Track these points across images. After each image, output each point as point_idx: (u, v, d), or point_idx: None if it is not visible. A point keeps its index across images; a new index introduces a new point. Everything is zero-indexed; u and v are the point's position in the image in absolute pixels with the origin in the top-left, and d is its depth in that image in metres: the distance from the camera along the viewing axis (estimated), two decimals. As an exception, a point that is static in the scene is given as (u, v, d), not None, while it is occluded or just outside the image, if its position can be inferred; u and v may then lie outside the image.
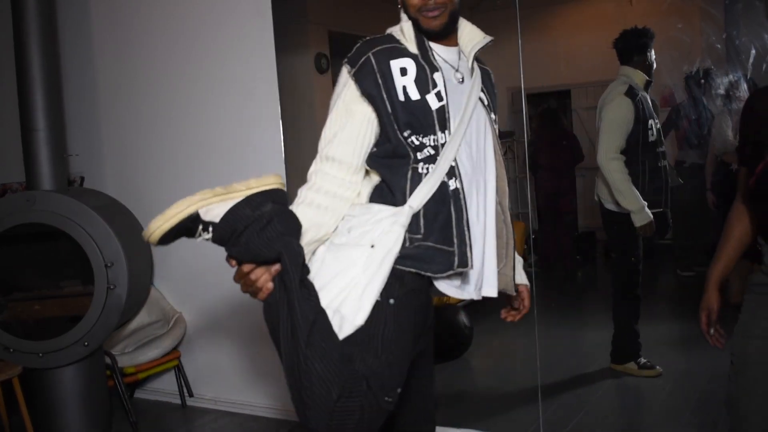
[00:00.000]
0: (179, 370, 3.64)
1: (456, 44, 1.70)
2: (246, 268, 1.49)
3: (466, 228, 1.58)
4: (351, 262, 1.54)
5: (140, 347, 3.50)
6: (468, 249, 1.58)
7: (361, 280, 1.52)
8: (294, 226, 1.50)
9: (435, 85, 1.60)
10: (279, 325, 1.47)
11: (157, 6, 3.57)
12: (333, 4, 5.25)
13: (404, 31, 1.66)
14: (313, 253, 1.61)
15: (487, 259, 1.67)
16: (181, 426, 3.45)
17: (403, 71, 1.59)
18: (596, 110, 3.51)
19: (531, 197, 5.10)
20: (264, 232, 1.43)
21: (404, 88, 1.58)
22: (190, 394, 3.67)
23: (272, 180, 1.52)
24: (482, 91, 1.70)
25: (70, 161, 3.67)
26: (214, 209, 1.46)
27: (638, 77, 3.38)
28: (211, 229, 1.45)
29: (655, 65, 3.46)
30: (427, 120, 1.59)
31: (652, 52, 3.43)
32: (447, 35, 1.67)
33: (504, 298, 1.83)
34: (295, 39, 4.97)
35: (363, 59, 1.61)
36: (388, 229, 1.55)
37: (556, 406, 3.21)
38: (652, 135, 3.34)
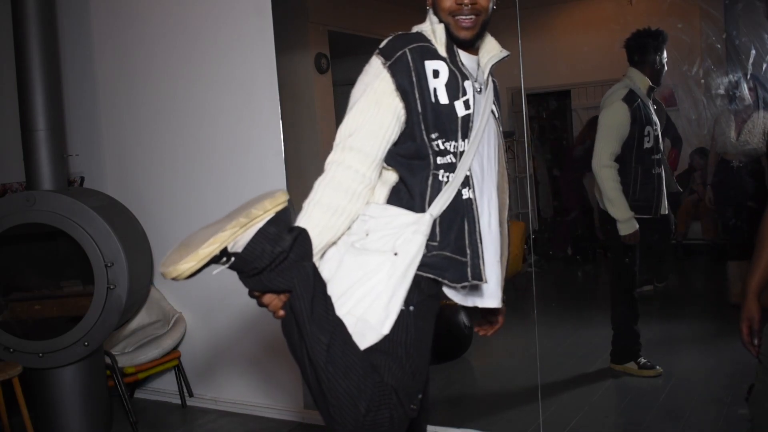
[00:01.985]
0: (179, 370, 3.64)
1: (476, 54, 1.69)
2: (263, 296, 1.49)
3: (478, 239, 1.58)
4: (373, 268, 1.52)
5: (140, 347, 3.50)
6: (480, 261, 1.57)
7: (386, 288, 1.50)
8: (308, 249, 1.47)
9: (465, 93, 1.59)
10: (294, 346, 1.48)
11: (157, 6, 3.58)
12: (333, 4, 5.25)
13: (435, 33, 1.62)
14: (324, 253, 1.58)
15: (495, 269, 1.67)
16: (181, 426, 3.45)
17: (436, 73, 1.58)
18: (599, 110, 3.49)
19: (531, 197, 5.10)
20: (280, 266, 1.42)
21: (435, 90, 1.57)
22: (190, 394, 3.67)
23: (282, 198, 1.47)
24: (494, 103, 1.70)
25: (70, 161, 3.67)
26: (240, 240, 1.42)
27: (642, 81, 3.35)
28: (232, 259, 1.42)
29: (665, 68, 3.40)
30: (452, 126, 1.57)
31: (663, 55, 3.37)
32: (473, 46, 1.66)
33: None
34: (295, 39, 4.97)
35: (399, 54, 1.57)
36: (410, 238, 1.53)
37: (556, 406, 3.20)
38: (648, 142, 3.31)
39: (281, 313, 1.47)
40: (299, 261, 1.43)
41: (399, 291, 1.51)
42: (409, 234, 1.53)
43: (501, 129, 1.75)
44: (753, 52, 3.96)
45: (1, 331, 3.12)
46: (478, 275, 1.57)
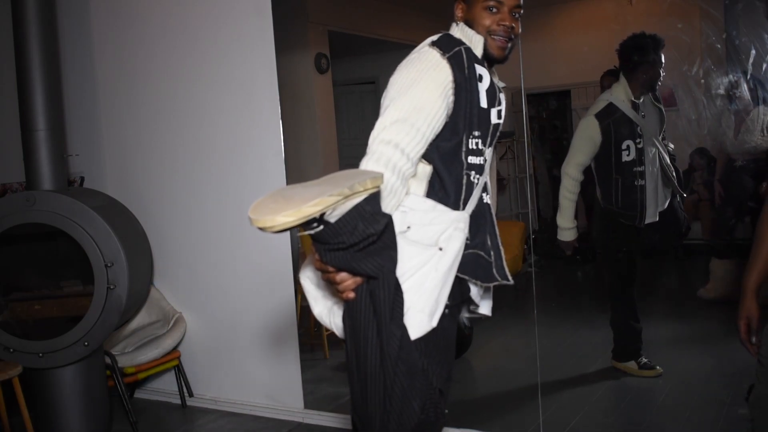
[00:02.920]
0: (179, 370, 3.64)
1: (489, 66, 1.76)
2: (331, 269, 1.41)
3: (499, 241, 1.65)
4: (420, 261, 1.51)
5: (140, 347, 3.50)
6: (503, 262, 1.64)
7: (435, 281, 1.50)
8: (394, 237, 1.42)
9: (500, 103, 1.68)
10: (359, 333, 1.42)
11: (157, 6, 3.58)
12: (333, 4, 5.25)
13: (475, 45, 1.68)
14: None
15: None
16: (181, 426, 3.45)
17: (480, 78, 1.64)
18: None
19: (531, 197, 5.10)
20: (368, 248, 1.36)
21: (480, 96, 1.64)
22: (190, 394, 3.67)
23: (380, 181, 1.38)
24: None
25: (70, 161, 3.67)
26: (336, 210, 1.32)
27: (624, 93, 3.30)
28: (322, 226, 1.31)
29: (662, 73, 3.32)
30: (486, 131, 1.65)
31: (655, 64, 3.28)
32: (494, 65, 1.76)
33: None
34: (295, 39, 4.98)
35: (456, 49, 1.61)
36: (453, 234, 1.55)
37: (556, 406, 3.20)
38: (628, 155, 3.29)
39: (352, 295, 1.41)
40: (386, 248, 1.38)
41: (446, 285, 1.52)
42: (451, 230, 1.55)
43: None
44: (753, 52, 3.96)
45: (1, 331, 3.12)
46: (504, 275, 1.64)
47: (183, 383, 3.65)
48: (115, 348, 3.51)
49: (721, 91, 4.22)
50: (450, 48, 1.60)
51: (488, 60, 1.71)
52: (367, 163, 1.49)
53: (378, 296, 1.39)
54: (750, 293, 1.75)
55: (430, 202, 1.59)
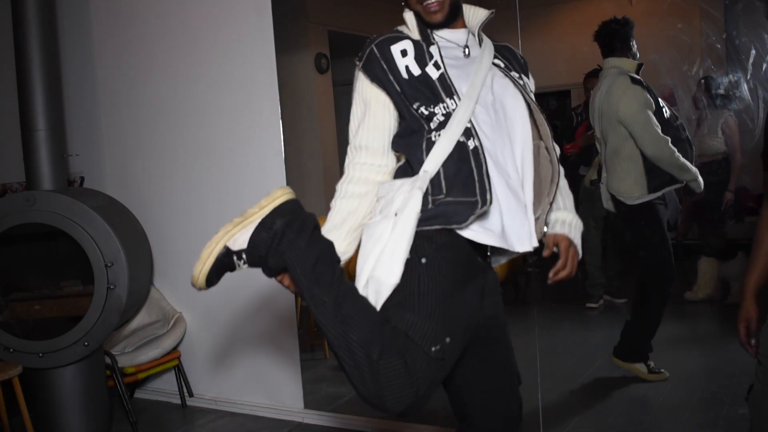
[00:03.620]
0: (179, 370, 3.64)
1: (463, 26, 1.81)
2: (279, 277, 1.64)
3: (486, 179, 1.61)
4: (380, 233, 1.61)
5: (140, 347, 3.50)
6: (488, 194, 1.59)
7: (389, 244, 1.58)
8: (307, 227, 1.57)
9: (431, 57, 1.71)
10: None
11: (157, 6, 3.58)
12: (333, 4, 5.25)
13: (407, 22, 1.77)
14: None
15: (521, 214, 1.66)
16: (181, 426, 3.45)
17: (404, 53, 1.72)
18: (595, 108, 3.42)
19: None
20: (278, 248, 1.55)
21: (407, 67, 1.70)
22: (190, 394, 3.67)
23: (279, 194, 1.60)
24: (497, 58, 1.78)
25: (70, 161, 3.67)
26: (239, 238, 1.57)
27: (628, 65, 3.31)
28: (243, 257, 1.57)
29: (638, 55, 3.38)
30: (433, 90, 1.68)
31: (634, 42, 3.36)
32: (450, 24, 1.77)
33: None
34: (295, 39, 4.97)
35: (367, 51, 1.74)
36: (407, 196, 1.61)
37: (556, 406, 3.20)
38: (666, 112, 3.28)
39: (294, 288, 1.61)
40: (297, 239, 1.54)
41: (400, 242, 1.58)
42: (405, 194, 1.62)
43: (522, 77, 1.78)
44: (753, 52, 3.96)
45: (1, 331, 3.12)
46: (485, 201, 1.59)
47: (183, 383, 3.65)
48: (115, 348, 3.51)
49: (721, 91, 4.22)
50: (362, 55, 1.74)
51: (436, 26, 1.75)
52: (341, 183, 1.75)
53: (294, 278, 1.56)
54: (750, 296, 1.75)
55: (394, 182, 1.69)
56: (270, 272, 1.61)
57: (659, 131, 3.20)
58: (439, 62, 1.70)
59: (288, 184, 3.31)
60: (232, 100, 3.39)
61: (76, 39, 3.81)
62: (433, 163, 1.63)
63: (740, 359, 1.87)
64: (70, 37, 3.80)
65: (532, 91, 1.81)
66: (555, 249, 1.75)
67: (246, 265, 1.58)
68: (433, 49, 1.72)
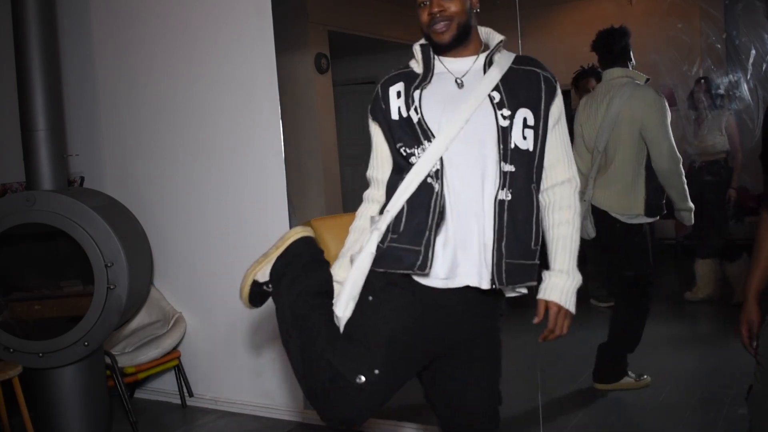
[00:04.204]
0: (179, 370, 3.64)
1: (473, 53, 1.84)
2: None
3: (432, 231, 1.70)
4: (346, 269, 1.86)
5: (140, 347, 3.50)
6: (430, 251, 1.70)
7: (347, 283, 1.78)
8: (297, 266, 1.91)
9: (413, 101, 1.79)
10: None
11: (157, 6, 3.58)
12: (333, 4, 5.25)
13: (414, 53, 1.87)
14: None
15: (475, 253, 1.73)
16: (181, 426, 3.45)
17: (398, 94, 1.83)
18: (605, 116, 3.26)
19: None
20: (277, 284, 1.95)
21: (399, 108, 1.82)
22: (190, 394, 3.67)
23: (291, 234, 1.97)
24: (497, 89, 1.76)
25: (70, 161, 3.67)
26: (264, 271, 1.97)
27: (639, 77, 3.25)
28: (271, 285, 1.96)
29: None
30: (414, 133, 1.77)
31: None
32: (459, 46, 1.81)
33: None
34: (295, 39, 4.97)
35: (374, 93, 1.89)
36: (370, 237, 1.78)
37: (556, 407, 3.20)
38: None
39: None
40: (285, 276, 1.91)
41: (353, 281, 1.77)
42: (369, 233, 1.79)
43: (511, 121, 1.75)
44: (753, 52, 3.96)
45: (1, 331, 3.12)
46: (424, 265, 1.70)
47: (183, 383, 3.65)
48: (115, 348, 3.51)
49: (721, 91, 4.22)
50: (374, 94, 1.89)
51: (445, 48, 1.81)
52: (358, 212, 1.98)
53: (277, 314, 1.95)
54: (752, 298, 1.76)
55: (375, 218, 1.84)
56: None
57: (675, 148, 3.15)
58: (418, 107, 1.77)
59: (288, 184, 3.31)
60: (232, 100, 3.39)
61: (76, 39, 3.81)
62: (396, 202, 1.76)
63: (740, 359, 1.87)
64: (70, 37, 3.80)
65: (534, 121, 1.77)
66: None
67: (271, 289, 1.98)
68: (416, 93, 1.79)
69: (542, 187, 1.82)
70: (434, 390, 1.90)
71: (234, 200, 3.44)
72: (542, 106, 1.78)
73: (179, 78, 3.54)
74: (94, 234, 3.06)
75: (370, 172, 1.93)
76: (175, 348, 3.59)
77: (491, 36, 1.85)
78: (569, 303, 1.79)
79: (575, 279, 1.79)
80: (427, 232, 1.70)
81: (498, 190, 1.72)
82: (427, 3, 1.77)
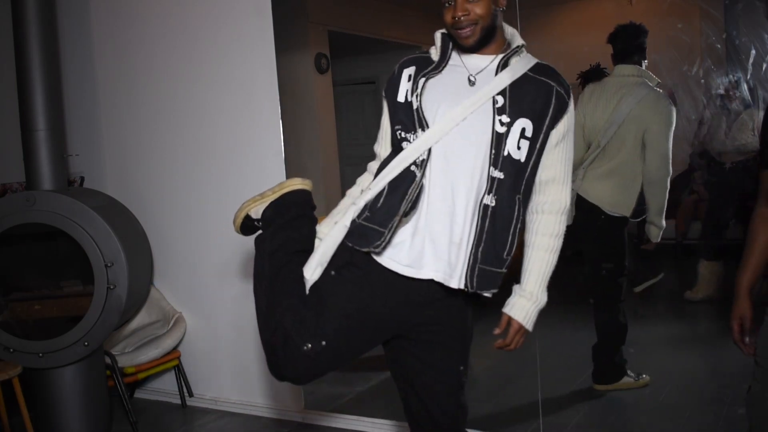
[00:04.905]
0: (179, 370, 3.64)
1: (495, 52, 1.82)
2: None
3: (398, 216, 1.75)
4: (324, 236, 1.94)
5: (140, 347, 3.50)
6: (388, 233, 1.76)
7: (319, 248, 1.88)
8: (285, 217, 1.97)
9: (416, 88, 1.81)
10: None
11: (157, 6, 3.58)
12: (333, 4, 5.25)
13: (435, 40, 1.88)
14: None
15: (445, 249, 1.77)
16: (181, 426, 3.45)
17: (409, 77, 1.85)
18: (613, 112, 3.24)
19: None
20: (263, 228, 2.03)
21: (405, 92, 1.85)
22: (190, 394, 3.67)
23: (289, 183, 2.02)
24: (502, 93, 1.75)
25: (70, 161, 3.67)
26: (257, 210, 2.03)
27: (651, 79, 3.21)
28: (260, 223, 2.03)
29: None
30: (411, 119, 1.80)
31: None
32: (482, 49, 1.81)
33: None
34: (295, 39, 4.97)
35: (393, 70, 1.92)
36: (350, 209, 1.87)
37: (556, 407, 3.20)
38: None
39: None
40: (271, 225, 1.98)
41: (327, 251, 1.86)
42: (351, 207, 1.88)
43: (508, 128, 1.74)
44: (753, 52, 3.96)
45: (1, 331, 3.12)
46: (379, 246, 1.77)
47: (183, 383, 3.65)
48: (115, 348, 3.51)
49: (721, 91, 4.22)
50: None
51: (469, 49, 1.80)
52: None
53: (255, 257, 1.99)
54: (743, 293, 1.76)
55: (361, 194, 1.91)
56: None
57: (669, 157, 3.14)
58: (419, 94, 1.79)
59: (288, 184, 3.30)
60: (232, 100, 3.39)
61: (76, 39, 3.81)
62: (381, 182, 1.80)
63: (740, 359, 1.87)
64: (70, 37, 3.80)
65: (531, 132, 1.76)
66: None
67: (260, 226, 2.04)
68: (421, 81, 1.80)
69: (532, 203, 1.84)
70: (394, 366, 1.97)
71: (234, 200, 3.41)
72: (547, 121, 1.77)
73: (179, 78, 3.54)
74: (94, 234, 3.06)
75: (376, 146, 1.99)
76: (175, 348, 3.59)
77: (515, 37, 1.84)
78: (529, 323, 1.86)
79: (540, 302, 1.87)
80: (395, 217, 1.75)
81: (484, 194, 1.74)
82: (452, 3, 1.74)
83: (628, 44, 3.28)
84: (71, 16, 3.80)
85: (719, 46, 4.26)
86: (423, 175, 1.76)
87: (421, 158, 1.76)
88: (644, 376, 3.36)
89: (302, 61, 5.02)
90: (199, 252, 3.59)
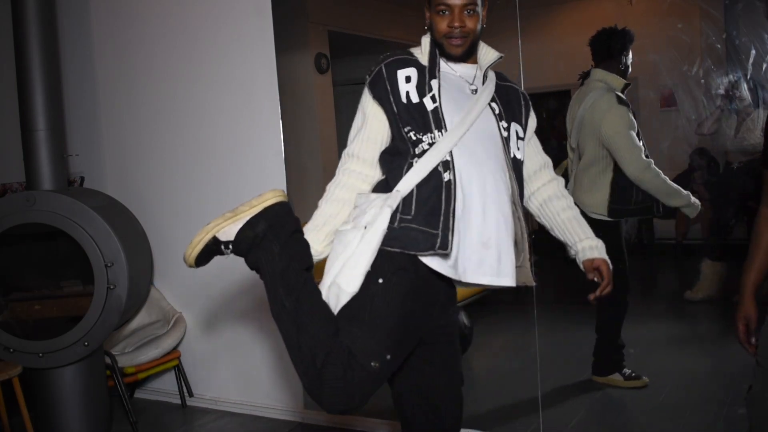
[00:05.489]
0: (179, 370, 3.64)
1: (474, 62, 1.95)
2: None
3: (451, 216, 1.75)
4: (348, 241, 1.76)
5: (140, 347, 3.50)
6: (450, 233, 1.74)
7: (355, 255, 1.74)
8: (285, 232, 1.75)
9: (430, 89, 1.84)
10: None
11: (157, 6, 3.58)
12: (333, 4, 5.25)
13: (422, 46, 1.92)
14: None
15: (501, 248, 1.81)
16: (181, 426, 3.46)
17: (408, 79, 1.85)
18: (576, 117, 3.34)
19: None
20: (258, 247, 1.73)
21: (407, 93, 1.84)
22: (190, 394, 3.67)
23: (270, 195, 1.77)
24: (495, 101, 1.91)
25: (70, 161, 3.67)
26: (228, 230, 1.76)
27: (616, 82, 3.24)
28: (230, 248, 1.77)
29: (630, 69, 3.33)
30: (424, 120, 1.81)
31: (630, 55, 3.30)
32: (466, 59, 1.91)
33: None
34: (295, 39, 4.97)
35: (375, 70, 1.88)
36: (378, 212, 1.75)
37: (555, 406, 3.21)
38: (641, 140, 3.22)
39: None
40: (275, 242, 1.72)
41: (365, 254, 1.73)
42: (377, 209, 1.76)
43: (515, 126, 1.92)
44: (753, 52, 3.96)
45: (1, 331, 3.12)
46: (445, 245, 1.74)
47: (183, 383, 3.65)
48: (115, 348, 3.51)
49: (721, 91, 4.22)
50: (372, 72, 1.89)
51: (454, 59, 1.89)
52: (330, 185, 1.91)
53: (264, 280, 1.75)
54: (748, 294, 1.75)
55: (370, 195, 1.84)
56: (250, 266, 1.78)
57: (642, 153, 3.15)
58: (437, 96, 1.83)
59: (288, 184, 3.31)
60: (232, 100, 3.39)
61: (76, 39, 3.81)
62: (407, 184, 1.78)
63: (740, 359, 1.87)
64: (70, 37, 3.80)
65: (523, 134, 1.95)
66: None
67: (232, 254, 1.79)
68: (434, 83, 1.84)
69: (527, 192, 1.99)
70: (407, 373, 1.90)
71: (234, 200, 3.40)
72: (524, 120, 1.97)
73: (179, 78, 3.54)
74: (94, 234, 3.06)
75: (353, 149, 1.90)
76: (175, 348, 3.59)
77: (487, 49, 1.96)
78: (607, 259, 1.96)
79: (602, 243, 1.97)
80: (442, 217, 1.75)
81: (509, 195, 1.86)
82: (447, 13, 1.83)
83: (597, 48, 3.33)
84: (71, 16, 3.80)
85: (719, 46, 4.26)
86: (454, 177, 1.77)
87: (445, 159, 1.78)
88: (635, 375, 3.35)
89: (302, 61, 5.02)
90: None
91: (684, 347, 3.90)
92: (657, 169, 3.16)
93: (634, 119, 3.21)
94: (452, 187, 1.76)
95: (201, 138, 3.51)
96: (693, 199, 3.19)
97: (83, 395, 3.17)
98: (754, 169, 4.01)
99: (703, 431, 2.92)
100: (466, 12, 1.83)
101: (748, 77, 4.04)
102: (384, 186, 1.85)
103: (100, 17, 3.77)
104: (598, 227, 3.21)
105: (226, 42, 3.37)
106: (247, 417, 3.46)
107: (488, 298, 4.51)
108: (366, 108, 1.90)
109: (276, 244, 1.73)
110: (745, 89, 4.08)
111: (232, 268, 3.48)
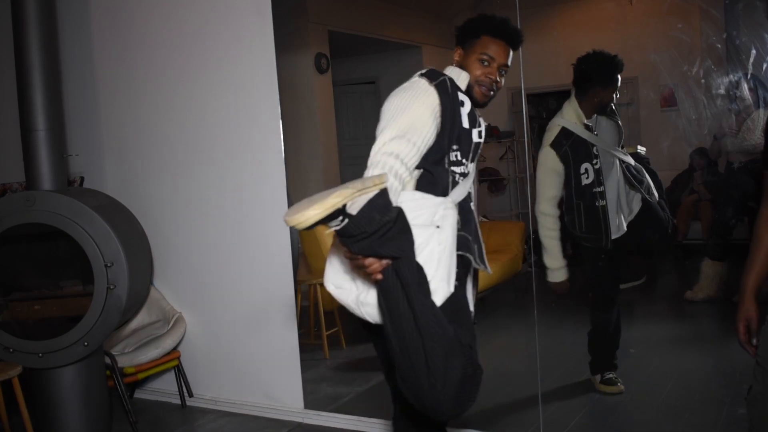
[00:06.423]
0: (179, 370, 3.64)
1: None
2: (363, 259, 1.63)
3: (480, 239, 1.94)
4: (424, 240, 1.74)
5: (140, 347, 3.50)
6: (484, 252, 1.93)
7: (442, 254, 1.75)
8: (407, 224, 1.66)
9: (479, 125, 1.98)
10: (393, 310, 1.63)
11: (157, 6, 3.58)
12: (333, 4, 5.25)
13: (459, 78, 1.98)
14: None
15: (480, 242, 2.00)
16: (181, 426, 3.45)
17: (462, 103, 1.93)
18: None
19: (531, 197, 5.09)
20: (387, 234, 1.58)
21: (461, 115, 1.92)
22: (190, 394, 3.67)
23: (385, 179, 1.63)
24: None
25: (70, 161, 3.67)
26: (357, 202, 1.55)
27: (576, 116, 3.20)
28: (346, 221, 1.54)
29: (616, 95, 3.26)
30: (468, 147, 1.94)
31: (611, 87, 3.21)
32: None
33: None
34: (295, 39, 4.98)
35: (441, 78, 1.90)
36: (444, 213, 1.80)
37: (556, 406, 3.20)
38: (587, 178, 3.16)
39: (380, 276, 1.63)
40: (402, 233, 1.63)
41: (452, 255, 1.78)
42: (442, 210, 1.80)
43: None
44: (753, 52, 3.96)
45: (1, 331, 3.12)
46: (482, 260, 1.94)
47: (183, 383, 3.65)
48: (115, 348, 3.51)
49: (722, 91, 4.22)
50: (436, 77, 1.90)
51: (475, 103, 2.00)
52: (371, 172, 1.74)
53: (403, 273, 1.61)
54: (749, 295, 1.75)
55: (416, 193, 1.85)
56: (364, 249, 1.59)
57: (547, 197, 3.16)
58: (483, 133, 1.98)
59: (288, 184, 3.31)
60: (232, 100, 3.39)
61: (76, 39, 3.81)
62: (457, 195, 1.89)
63: (740, 359, 1.87)
64: (70, 37, 3.80)
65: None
66: None
67: (338, 228, 1.55)
68: (482, 120, 1.99)
69: None
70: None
71: (234, 200, 3.44)
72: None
73: (179, 78, 3.54)
74: (94, 234, 3.06)
75: (410, 135, 1.80)
76: (175, 348, 3.59)
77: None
78: None
79: None
80: (476, 234, 1.95)
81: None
82: (486, 64, 1.98)
83: (574, 72, 3.30)
84: (71, 16, 3.80)
85: (719, 46, 4.26)
86: (473, 209, 1.99)
87: (469, 192, 1.98)
88: (619, 384, 3.28)
89: (302, 61, 5.03)
90: (199, 252, 3.59)
91: (684, 347, 3.90)
92: (551, 224, 3.16)
93: (561, 164, 3.15)
94: (474, 215, 1.97)
95: (201, 138, 3.51)
96: (562, 272, 3.19)
97: (83, 395, 3.17)
98: (754, 169, 4.01)
99: (703, 431, 2.91)
100: (501, 71, 2.00)
101: (749, 77, 4.04)
102: (423, 185, 1.88)
103: (99, 17, 3.77)
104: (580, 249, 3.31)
105: (226, 42, 3.37)
106: (247, 417, 3.46)
107: (488, 298, 4.51)
108: (429, 107, 1.84)
109: (410, 234, 1.66)
110: (745, 89, 4.08)
111: (232, 268, 3.49)
